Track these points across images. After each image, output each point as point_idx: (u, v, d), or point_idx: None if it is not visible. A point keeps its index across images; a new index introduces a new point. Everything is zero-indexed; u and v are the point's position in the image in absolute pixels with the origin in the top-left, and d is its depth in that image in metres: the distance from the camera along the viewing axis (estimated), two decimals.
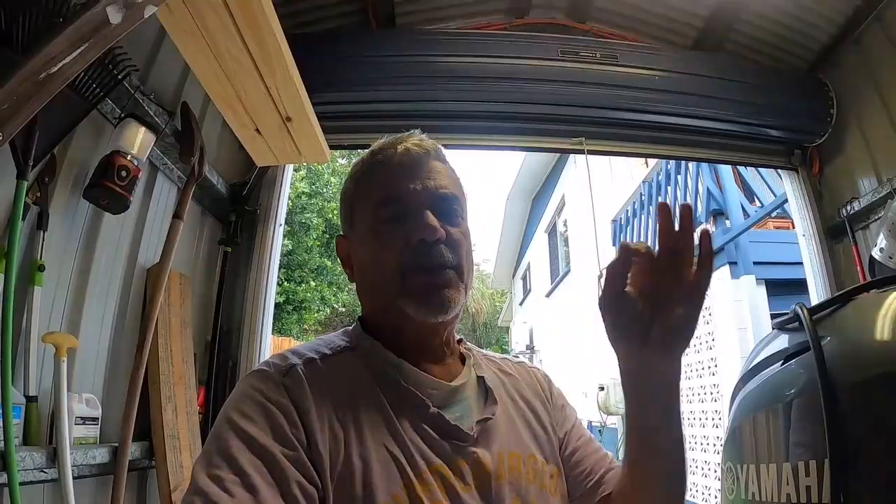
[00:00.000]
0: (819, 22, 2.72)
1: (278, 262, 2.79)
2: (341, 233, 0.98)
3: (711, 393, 5.96)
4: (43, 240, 1.57)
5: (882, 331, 0.81)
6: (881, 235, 2.29)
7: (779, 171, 3.13)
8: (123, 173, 1.69)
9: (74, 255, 1.74)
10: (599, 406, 8.01)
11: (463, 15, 2.99)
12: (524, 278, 16.86)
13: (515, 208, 15.74)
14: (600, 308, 0.77)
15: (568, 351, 10.92)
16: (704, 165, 6.00)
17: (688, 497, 6.29)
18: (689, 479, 6.34)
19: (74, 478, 1.53)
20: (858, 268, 2.59)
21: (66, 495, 1.49)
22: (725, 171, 6.02)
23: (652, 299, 0.74)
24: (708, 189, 6.12)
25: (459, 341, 0.98)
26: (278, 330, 12.36)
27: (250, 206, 2.68)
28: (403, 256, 0.83)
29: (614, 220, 9.22)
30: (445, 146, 0.96)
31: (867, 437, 0.76)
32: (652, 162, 7.67)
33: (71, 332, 1.67)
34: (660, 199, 7.35)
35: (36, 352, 1.53)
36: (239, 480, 0.66)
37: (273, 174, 2.77)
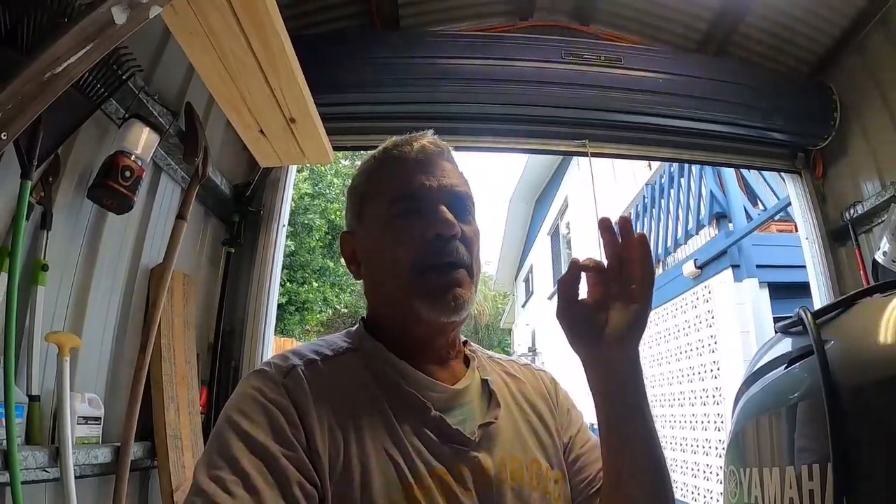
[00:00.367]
0: (822, 25, 2.72)
1: (281, 262, 2.79)
2: (346, 230, 0.97)
3: (714, 396, 5.94)
4: (46, 239, 1.57)
5: (886, 335, 0.81)
6: (885, 239, 2.29)
7: (782, 174, 3.12)
8: (127, 173, 1.70)
9: (78, 255, 1.74)
10: None
11: (467, 17, 2.99)
12: (527, 280, 16.84)
13: (518, 210, 15.73)
14: (557, 317, 0.82)
15: (570, 353, 10.87)
16: (708, 168, 5.99)
17: (690, 500, 6.29)
18: (691, 482, 6.32)
19: (76, 477, 1.54)
20: (862, 271, 2.58)
21: (67, 495, 1.49)
22: (729, 174, 6.00)
23: (605, 303, 0.80)
24: (711, 192, 6.11)
25: (465, 343, 0.97)
26: (281, 331, 12.37)
27: (253, 207, 2.69)
28: (418, 253, 0.83)
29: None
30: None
31: (871, 441, 0.76)
32: (655, 164, 7.66)
33: (74, 331, 1.68)
34: (662, 201, 7.35)
35: (39, 351, 1.54)
36: (240, 481, 0.66)
37: (276, 175, 2.78)
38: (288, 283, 12.40)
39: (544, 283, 13.83)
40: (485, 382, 0.91)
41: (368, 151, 0.98)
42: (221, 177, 2.45)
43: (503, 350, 19.55)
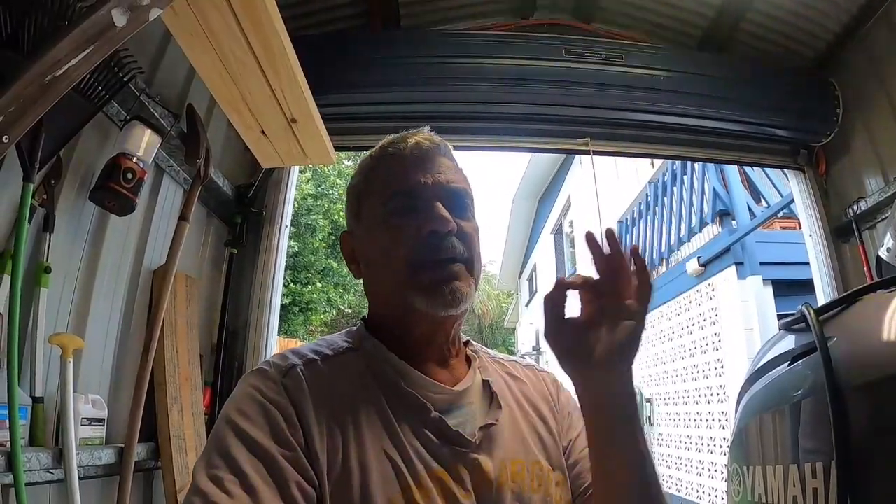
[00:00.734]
0: (824, 21, 2.71)
1: (284, 263, 2.80)
2: (346, 230, 0.97)
3: (718, 394, 5.93)
4: (49, 242, 1.57)
5: (889, 331, 0.80)
6: (888, 235, 2.28)
7: (785, 170, 3.11)
8: (129, 175, 1.70)
9: (80, 257, 1.74)
10: None
11: (468, 16, 2.99)
12: (530, 279, 16.85)
13: (521, 209, 15.74)
14: (545, 336, 0.79)
15: None
16: (710, 166, 5.99)
17: (695, 498, 6.29)
18: (696, 480, 6.31)
19: (80, 478, 1.54)
20: (865, 268, 2.57)
21: (71, 496, 1.50)
22: (731, 171, 6.00)
23: (597, 321, 0.76)
24: (714, 189, 6.11)
25: (466, 343, 0.97)
26: (284, 331, 12.40)
27: (256, 208, 2.69)
28: (414, 249, 0.82)
29: (620, 221, 9.22)
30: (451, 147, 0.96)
31: (874, 439, 0.76)
32: (658, 162, 7.66)
33: (77, 333, 1.68)
34: (665, 199, 7.34)
35: (42, 353, 1.54)
36: (238, 481, 0.66)
37: (279, 176, 2.78)
38: (291, 284, 12.43)
39: (548, 282, 13.82)
40: (486, 384, 0.90)
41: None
42: (223, 178, 2.45)
43: (507, 349, 19.56)
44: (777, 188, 5.94)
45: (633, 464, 0.77)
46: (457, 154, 0.95)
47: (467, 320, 0.91)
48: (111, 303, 1.87)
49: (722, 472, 5.59)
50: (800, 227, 3.18)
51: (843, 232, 2.79)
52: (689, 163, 6.54)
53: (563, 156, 10.53)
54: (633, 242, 8.49)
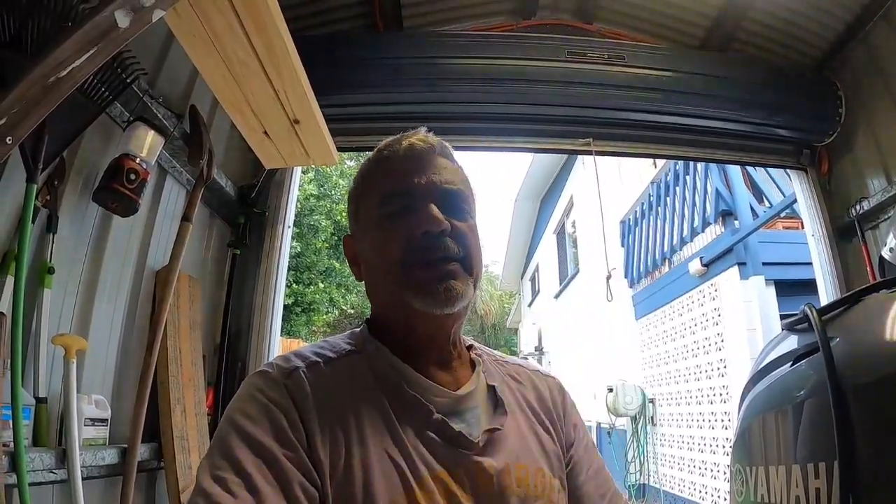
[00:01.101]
0: (827, 20, 2.70)
1: (287, 264, 2.80)
2: (349, 233, 0.97)
3: (721, 394, 5.93)
4: (52, 242, 1.58)
5: (892, 331, 0.80)
6: (891, 235, 2.27)
7: (788, 170, 3.11)
8: (132, 176, 1.70)
9: (84, 258, 1.75)
10: (609, 407, 7.97)
11: (470, 17, 2.99)
12: (533, 279, 16.84)
13: (524, 210, 15.72)
14: None
15: (577, 352, 10.90)
16: (713, 166, 5.98)
17: (696, 498, 6.28)
18: (698, 480, 6.30)
19: (83, 479, 1.55)
20: (868, 268, 2.57)
21: (75, 496, 1.50)
22: (734, 171, 5.99)
23: None
24: (717, 189, 6.10)
25: (470, 347, 0.96)
26: (287, 332, 12.39)
27: (259, 209, 2.70)
28: (407, 250, 0.82)
29: (623, 221, 9.21)
30: (454, 148, 0.95)
31: (877, 439, 0.75)
32: (660, 162, 7.65)
33: (80, 334, 1.68)
34: (668, 199, 7.33)
35: (46, 353, 1.54)
36: (242, 482, 0.66)
37: (281, 176, 2.78)
38: (294, 285, 12.42)
39: (550, 282, 13.83)
40: (491, 388, 0.90)
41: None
42: (226, 178, 2.45)
43: (509, 350, 19.54)
44: (780, 188, 5.93)
45: None
46: (458, 154, 0.95)
47: (469, 320, 0.90)
48: (114, 303, 1.88)
49: (725, 473, 5.58)
50: (802, 227, 3.17)
51: (845, 232, 2.79)
52: (691, 163, 6.53)
53: (566, 156, 10.52)
54: (636, 242, 8.50)
